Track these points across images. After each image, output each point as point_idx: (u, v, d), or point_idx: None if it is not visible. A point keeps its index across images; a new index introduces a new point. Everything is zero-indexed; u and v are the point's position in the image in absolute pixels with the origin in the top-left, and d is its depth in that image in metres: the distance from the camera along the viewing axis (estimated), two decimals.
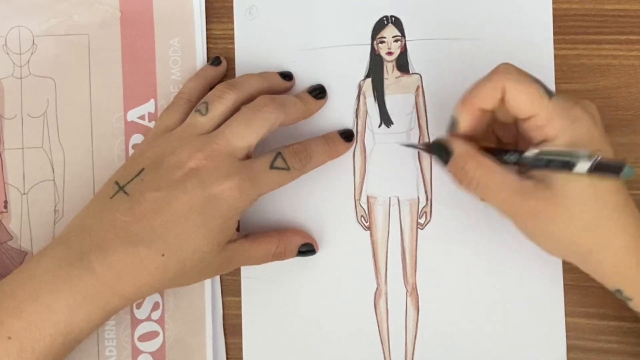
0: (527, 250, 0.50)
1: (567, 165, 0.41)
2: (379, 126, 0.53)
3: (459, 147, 0.45)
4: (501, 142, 0.49)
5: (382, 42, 0.54)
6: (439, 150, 0.45)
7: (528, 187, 0.43)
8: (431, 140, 0.48)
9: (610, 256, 0.44)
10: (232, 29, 0.54)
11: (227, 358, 0.53)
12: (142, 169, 0.46)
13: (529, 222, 0.44)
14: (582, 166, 0.41)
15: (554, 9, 0.53)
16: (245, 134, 0.47)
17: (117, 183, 0.46)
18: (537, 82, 0.44)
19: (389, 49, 0.54)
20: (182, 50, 0.53)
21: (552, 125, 0.43)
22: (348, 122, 0.53)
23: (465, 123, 0.45)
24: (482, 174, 0.44)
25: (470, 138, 0.46)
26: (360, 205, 0.53)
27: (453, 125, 0.46)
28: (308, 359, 0.53)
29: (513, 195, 0.43)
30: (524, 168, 0.44)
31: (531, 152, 0.43)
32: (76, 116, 0.53)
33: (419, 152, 0.53)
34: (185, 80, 0.52)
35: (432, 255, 0.53)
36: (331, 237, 0.53)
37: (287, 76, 0.53)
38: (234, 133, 0.47)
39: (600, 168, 0.40)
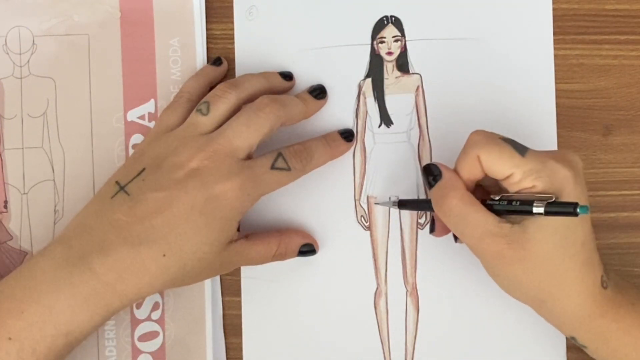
0: None
1: (527, 208, 0.43)
2: (379, 126, 0.53)
3: (447, 175, 0.46)
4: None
5: (382, 42, 0.54)
6: (428, 173, 0.47)
7: (503, 229, 0.44)
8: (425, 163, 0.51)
9: (565, 305, 0.45)
10: (232, 29, 0.54)
11: (227, 358, 0.53)
12: (143, 169, 0.46)
13: (495, 262, 0.45)
14: (539, 208, 0.42)
15: (554, 9, 0.53)
16: (246, 134, 0.47)
17: (117, 183, 0.46)
18: (509, 141, 0.44)
19: (389, 49, 0.54)
20: (182, 50, 0.53)
21: (528, 178, 0.43)
22: (348, 122, 0.53)
23: None
24: (463, 206, 0.44)
25: None
26: (360, 205, 0.53)
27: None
28: (308, 358, 0.53)
29: (486, 234, 0.44)
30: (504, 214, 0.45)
31: (495, 197, 0.44)
32: (76, 116, 0.53)
33: (419, 152, 0.53)
34: (185, 80, 0.52)
35: (432, 255, 0.53)
36: (331, 237, 0.53)
37: (287, 76, 0.53)
38: (235, 133, 0.47)
39: (555, 207, 0.42)
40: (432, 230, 0.50)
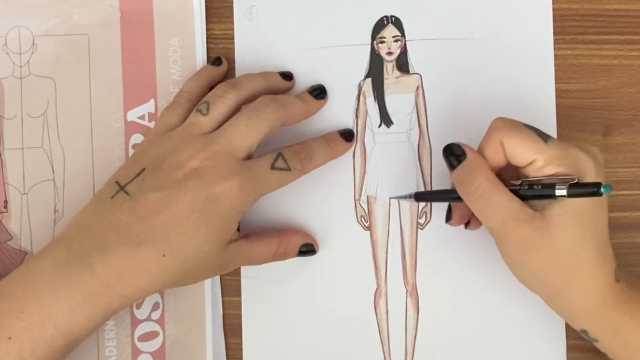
0: None
1: (550, 191, 0.42)
2: (379, 126, 0.53)
3: (472, 155, 0.45)
4: None
5: (382, 42, 0.54)
6: (451, 153, 0.46)
7: (526, 214, 0.43)
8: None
9: (580, 296, 0.45)
10: (232, 29, 0.54)
11: (227, 358, 0.53)
12: (143, 169, 0.46)
13: (514, 248, 0.45)
14: (562, 190, 0.42)
15: (554, 9, 0.53)
16: (246, 134, 0.47)
17: (117, 183, 0.46)
18: (532, 128, 0.44)
19: (389, 49, 0.54)
20: (182, 50, 0.53)
21: (551, 165, 0.43)
22: (348, 122, 0.53)
23: None
24: (488, 186, 0.44)
25: None
26: (360, 205, 0.53)
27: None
28: (308, 358, 0.53)
29: (509, 217, 0.44)
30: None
31: (516, 182, 0.44)
32: (76, 116, 0.53)
33: (419, 152, 0.53)
34: (185, 80, 0.52)
35: (432, 255, 0.53)
36: (331, 237, 0.53)
37: (287, 76, 0.53)
38: (235, 133, 0.47)
39: (578, 189, 0.42)
40: (448, 219, 0.50)
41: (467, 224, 0.50)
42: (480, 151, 0.45)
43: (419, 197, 0.51)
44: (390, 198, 0.53)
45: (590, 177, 0.43)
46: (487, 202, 0.44)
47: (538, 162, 0.43)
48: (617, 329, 0.45)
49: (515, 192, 0.44)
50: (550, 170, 0.43)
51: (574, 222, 0.43)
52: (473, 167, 0.45)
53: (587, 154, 0.44)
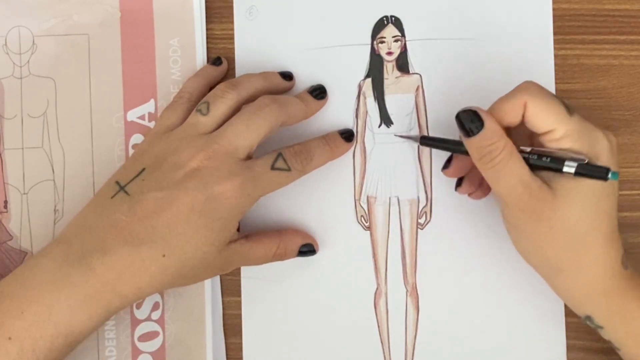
0: None
1: (557, 165, 0.43)
2: (379, 126, 0.53)
3: (492, 123, 0.44)
4: None
5: (382, 42, 0.54)
6: (467, 120, 0.44)
7: (535, 184, 0.43)
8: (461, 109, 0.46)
9: (584, 278, 0.45)
10: (232, 29, 0.54)
11: (227, 358, 0.53)
12: (143, 169, 0.46)
13: (518, 214, 0.44)
14: (570, 167, 0.42)
15: (554, 9, 0.53)
16: (246, 134, 0.47)
17: (117, 183, 0.46)
18: (559, 99, 0.44)
19: (389, 49, 0.54)
20: (182, 50, 0.53)
21: (569, 138, 0.43)
22: (348, 122, 0.53)
23: None
24: (506, 155, 0.43)
25: None
26: (360, 205, 0.53)
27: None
28: (308, 358, 0.53)
29: (520, 184, 0.43)
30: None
31: (526, 148, 0.44)
32: (76, 116, 0.53)
33: (419, 152, 0.53)
34: (185, 80, 0.52)
35: (432, 255, 0.53)
36: (331, 237, 0.53)
37: (287, 76, 0.53)
38: (235, 133, 0.47)
39: (587, 169, 0.42)
40: (444, 168, 0.50)
41: (457, 186, 0.51)
42: (498, 108, 0.45)
43: (425, 140, 0.50)
44: (395, 135, 0.53)
45: (603, 159, 0.43)
46: (502, 169, 0.44)
47: (557, 132, 0.43)
48: (624, 315, 0.45)
49: (524, 160, 0.44)
50: (567, 144, 0.43)
51: (580, 201, 0.43)
52: (493, 137, 0.44)
53: (606, 136, 0.44)
